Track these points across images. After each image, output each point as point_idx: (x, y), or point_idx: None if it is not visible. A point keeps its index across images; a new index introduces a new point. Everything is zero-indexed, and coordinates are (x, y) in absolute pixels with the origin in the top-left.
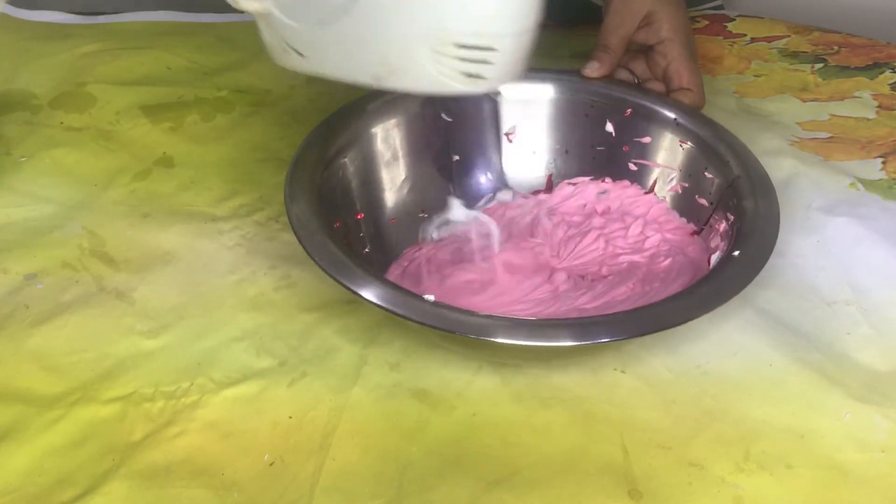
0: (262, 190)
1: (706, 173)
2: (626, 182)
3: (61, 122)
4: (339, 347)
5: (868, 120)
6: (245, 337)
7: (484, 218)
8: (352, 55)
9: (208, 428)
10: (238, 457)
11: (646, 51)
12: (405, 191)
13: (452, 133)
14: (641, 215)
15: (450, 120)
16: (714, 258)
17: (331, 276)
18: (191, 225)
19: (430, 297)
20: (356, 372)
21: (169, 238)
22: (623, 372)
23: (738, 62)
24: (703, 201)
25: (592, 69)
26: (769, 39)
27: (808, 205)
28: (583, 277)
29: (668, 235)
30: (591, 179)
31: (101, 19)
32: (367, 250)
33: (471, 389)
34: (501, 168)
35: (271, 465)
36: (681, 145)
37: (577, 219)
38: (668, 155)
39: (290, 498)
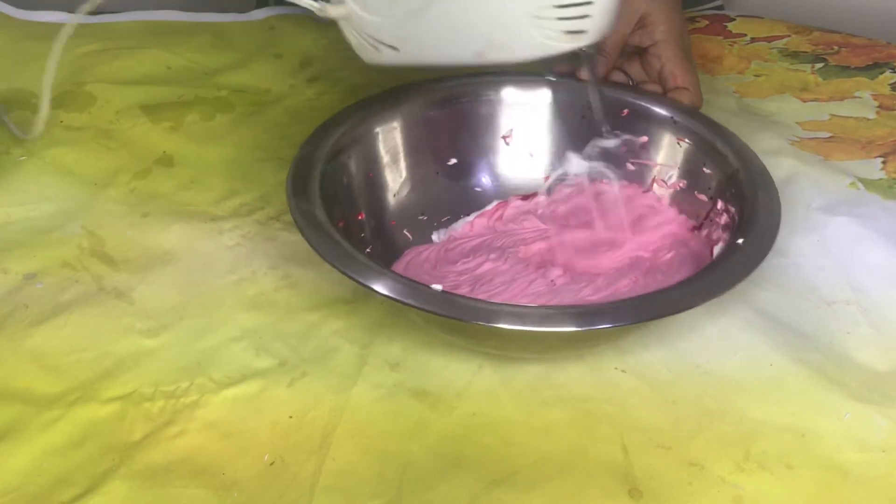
0: (262, 189)
1: (705, 169)
2: (625, 182)
3: (61, 122)
4: (339, 347)
5: (868, 120)
6: (245, 337)
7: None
8: (448, 39)
9: (208, 428)
10: (238, 457)
11: (640, 53)
12: (405, 192)
13: (451, 135)
14: (641, 214)
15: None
16: (717, 249)
17: (338, 269)
18: (191, 224)
19: (438, 287)
20: (356, 372)
21: (169, 238)
22: (623, 372)
23: (738, 62)
24: (703, 197)
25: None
26: (769, 39)
27: (808, 204)
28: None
29: (670, 230)
30: (590, 180)
31: (101, 19)
32: (368, 250)
33: (471, 389)
34: (498, 171)
35: (271, 464)
36: (678, 143)
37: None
38: (666, 153)
39: (290, 498)
